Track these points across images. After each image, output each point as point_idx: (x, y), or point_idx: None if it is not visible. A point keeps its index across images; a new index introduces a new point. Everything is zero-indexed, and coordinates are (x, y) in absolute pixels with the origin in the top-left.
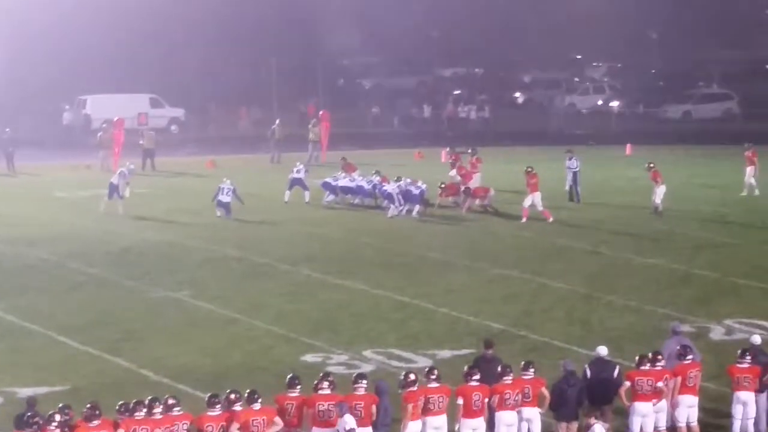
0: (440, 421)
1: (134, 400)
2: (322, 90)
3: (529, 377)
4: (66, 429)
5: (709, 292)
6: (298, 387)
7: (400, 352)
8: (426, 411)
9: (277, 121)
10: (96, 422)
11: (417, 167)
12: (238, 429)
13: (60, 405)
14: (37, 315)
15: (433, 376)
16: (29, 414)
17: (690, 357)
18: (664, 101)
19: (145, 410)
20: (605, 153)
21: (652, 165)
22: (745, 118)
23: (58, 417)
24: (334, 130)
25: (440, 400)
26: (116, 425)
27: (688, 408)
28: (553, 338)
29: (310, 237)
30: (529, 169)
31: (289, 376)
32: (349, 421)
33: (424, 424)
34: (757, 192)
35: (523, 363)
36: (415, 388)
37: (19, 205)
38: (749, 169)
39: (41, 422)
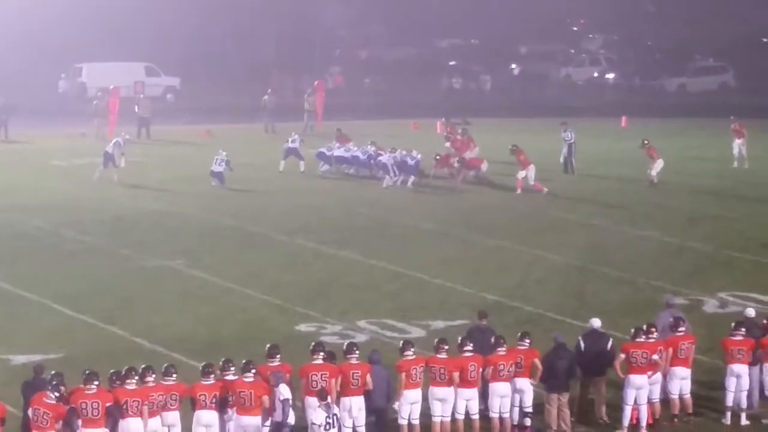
0: (443, 392)
1: (126, 368)
2: (318, 60)
3: (524, 348)
4: (60, 397)
5: (703, 264)
6: (278, 357)
7: (393, 322)
8: (432, 381)
9: (269, 91)
10: (93, 389)
11: (413, 138)
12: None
13: (53, 372)
14: (32, 283)
15: (445, 347)
16: (53, 381)
17: (682, 329)
18: (659, 74)
19: (136, 378)
20: (600, 125)
21: (647, 142)
22: (740, 91)
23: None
24: (329, 100)
25: (442, 371)
26: (110, 394)
27: (681, 380)
28: (546, 310)
29: (305, 207)
30: (514, 147)
31: (268, 346)
32: (284, 391)
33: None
34: (746, 165)
35: (519, 333)
36: (411, 357)
37: (14, 173)
38: (738, 142)
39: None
